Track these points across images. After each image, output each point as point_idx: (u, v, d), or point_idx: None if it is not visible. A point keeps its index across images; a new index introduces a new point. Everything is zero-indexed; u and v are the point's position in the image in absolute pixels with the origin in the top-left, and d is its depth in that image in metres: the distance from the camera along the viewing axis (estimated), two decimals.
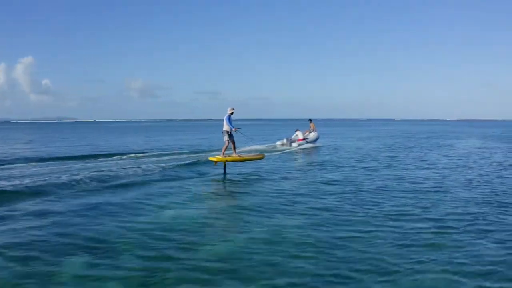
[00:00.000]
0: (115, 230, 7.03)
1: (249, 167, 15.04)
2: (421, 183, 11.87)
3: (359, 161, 17.78)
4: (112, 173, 13.13)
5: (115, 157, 19.21)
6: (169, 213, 8.24)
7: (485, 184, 11.65)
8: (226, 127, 13.47)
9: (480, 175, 13.38)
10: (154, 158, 18.56)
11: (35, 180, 11.87)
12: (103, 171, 13.60)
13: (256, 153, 15.18)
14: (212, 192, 11.08)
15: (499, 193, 10.17)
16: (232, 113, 13.56)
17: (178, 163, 15.99)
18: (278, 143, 25.12)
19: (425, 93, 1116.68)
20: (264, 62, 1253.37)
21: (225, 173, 13.30)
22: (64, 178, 12.20)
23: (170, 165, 15.19)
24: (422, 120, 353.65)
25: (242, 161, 13.79)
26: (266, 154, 20.94)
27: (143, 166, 14.70)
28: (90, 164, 16.33)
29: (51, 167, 15.20)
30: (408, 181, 12.08)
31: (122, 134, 51.97)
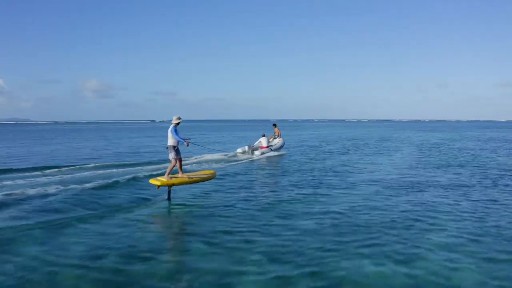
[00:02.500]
0: None
1: (198, 186, 12.53)
2: None
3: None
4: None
5: (35, 172, 15.44)
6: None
7: None
8: (171, 141, 10.83)
9: None
10: (74, 175, 14.76)
11: None
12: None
13: (206, 171, 12.81)
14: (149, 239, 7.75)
15: None
16: (178, 124, 10.96)
17: (103, 182, 12.93)
18: (239, 150, 22.97)
19: (375, 93, 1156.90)
20: (220, 62, 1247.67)
21: (169, 198, 10.91)
22: None
23: (91, 187, 12.14)
24: (369, 120, 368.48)
25: (191, 183, 11.55)
26: (224, 164, 18.00)
27: (51, 190, 11.67)
28: None
29: None
30: None
31: (64, 137, 48.24)
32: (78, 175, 14.65)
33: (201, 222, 8.72)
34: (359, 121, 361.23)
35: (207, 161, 19.11)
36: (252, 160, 20.19)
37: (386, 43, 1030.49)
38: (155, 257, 6.51)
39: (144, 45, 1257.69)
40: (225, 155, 21.99)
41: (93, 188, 11.91)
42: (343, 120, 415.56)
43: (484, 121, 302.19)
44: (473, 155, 23.31)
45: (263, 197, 11.18)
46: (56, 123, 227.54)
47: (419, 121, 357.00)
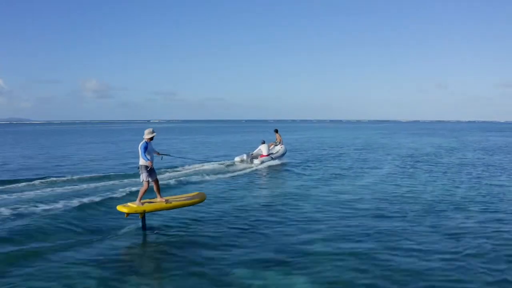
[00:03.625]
0: None
1: (183, 211, 10.38)
2: None
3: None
4: None
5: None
6: None
7: None
8: (142, 160, 9.04)
9: None
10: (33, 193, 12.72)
11: None
12: None
13: (193, 193, 10.40)
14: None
15: None
16: (151, 138, 9.19)
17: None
18: (237, 159, 21.40)
19: (374, 94, 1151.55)
20: (220, 62, 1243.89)
21: (144, 228, 8.86)
22: None
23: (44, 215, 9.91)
24: (369, 121, 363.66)
25: (170, 209, 9.30)
26: (218, 176, 16.84)
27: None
28: None
29: None
30: None
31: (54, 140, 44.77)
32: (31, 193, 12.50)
33: (183, 261, 7.11)
34: (358, 121, 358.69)
35: (199, 173, 17.34)
36: (251, 171, 18.83)
37: (386, 43, 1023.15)
38: None
39: (144, 45, 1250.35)
40: (222, 164, 20.74)
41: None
42: (341, 120, 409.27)
43: (483, 122, 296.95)
44: (478, 180, 15.99)
45: (256, 226, 9.36)
46: (50, 123, 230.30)
47: (417, 121, 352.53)
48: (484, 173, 18.37)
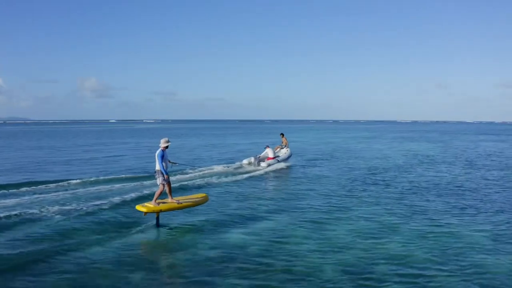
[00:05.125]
0: None
1: (193, 209, 11.70)
2: None
3: None
4: None
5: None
6: None
7: None
8: (158, 166, 10.32)
9: None
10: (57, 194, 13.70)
11: None
12: None
13: (198, 194, 11.87)
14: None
15: None
16: (167, 147, 10.47)
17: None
18: (245, 161, 22.18)
19: (373, 94, 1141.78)
20: (220, 62, 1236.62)
21: (158, 225, 10.24)
22: None
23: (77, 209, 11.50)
24: (368, 121, 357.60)
25: (181, 208, 10.77)
26: (228, 178, 17.81)
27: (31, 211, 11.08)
28: None
29: None
30: None
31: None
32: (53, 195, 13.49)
33: (192, 252, 8.39)
34: (357, 121, 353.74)
35: (210, 175, 18.49)
36: (257, 173, 19.68)
37: (386, 43, 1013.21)
38: None
39: (144, 45, 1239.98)
40: (229, 166, 21.60)
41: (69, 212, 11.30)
42: (338, 121, 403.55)
43: (480, 123, 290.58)
44: (418, 229, 10.42)
45: (260, 223, 10.71)
46: (46, 123, 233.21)
47: (416, 122, 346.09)
48: (437, 215, 12.42)
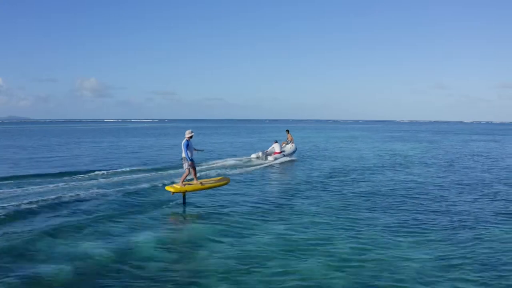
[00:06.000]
0: None
1: (213, 191, 13.59)
2: None
3: None
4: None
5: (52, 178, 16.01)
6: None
7: None
8: (184, 153, 11.75)
9: None
10: (100, 181, 15.73)
11: None
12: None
13: (220, 177, 13.35)
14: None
15: None
16: (191, 137, 11.81)
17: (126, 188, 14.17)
18: (253, 156, 23.96)
19: (372, 94, 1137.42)
20: (220, 62, 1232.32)
21: (184, 203, 11.90)
22: None
23: (117, 191, 13.62)
24: (366, 121, 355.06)
25: (204, 189, 12.25)
26: (238, 170, 19.15)
27: (83, 194, 12.90)
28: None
29: None
30: None
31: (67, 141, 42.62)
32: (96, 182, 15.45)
33: (213, 224, 9.79)
34: (356, 121, 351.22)
35: (224, 167, 20.16)
36: (266, 165, 21.07)
37: (386, 43, 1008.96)
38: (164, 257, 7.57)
39: (143, 45, 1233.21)
40: (240, 160, 23.17)
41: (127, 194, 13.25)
42: (338, 120, 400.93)
43: (480, 123, 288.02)
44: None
45: (271, 203, 12.08)
46: (44, 122, 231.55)
47: (414, 122, 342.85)
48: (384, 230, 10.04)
